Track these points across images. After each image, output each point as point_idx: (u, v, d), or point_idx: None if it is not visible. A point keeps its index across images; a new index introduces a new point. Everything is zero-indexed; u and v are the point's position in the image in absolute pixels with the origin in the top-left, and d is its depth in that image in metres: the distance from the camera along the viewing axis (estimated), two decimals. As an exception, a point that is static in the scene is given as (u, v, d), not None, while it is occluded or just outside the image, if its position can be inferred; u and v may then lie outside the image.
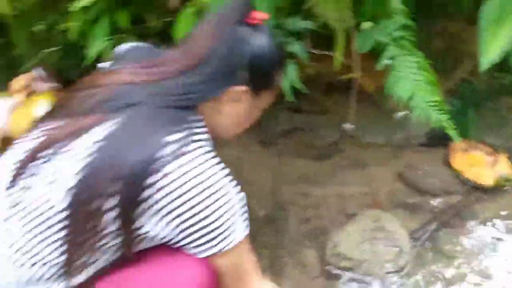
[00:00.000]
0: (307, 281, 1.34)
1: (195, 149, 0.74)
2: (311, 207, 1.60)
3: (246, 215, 0.79)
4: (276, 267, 1.37)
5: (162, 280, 0.83)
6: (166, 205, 0.72)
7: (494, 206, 1.59)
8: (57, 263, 0.79)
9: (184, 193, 0.71)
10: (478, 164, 1.68)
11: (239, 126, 0.96)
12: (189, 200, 0.72)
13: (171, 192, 0.71)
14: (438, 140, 1.88)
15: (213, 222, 0.73)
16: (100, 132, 0.78)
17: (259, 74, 0.87)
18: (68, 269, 0.79)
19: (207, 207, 0.72)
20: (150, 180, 0.71)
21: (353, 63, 1.62)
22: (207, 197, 0.72)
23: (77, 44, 1.61)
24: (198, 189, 0.72)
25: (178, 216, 0.72)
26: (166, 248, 0.80)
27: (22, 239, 0.78)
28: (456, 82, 1.94)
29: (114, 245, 0.78)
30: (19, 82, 1.70)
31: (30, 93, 1.66)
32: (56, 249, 0.78)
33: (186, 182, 0.71)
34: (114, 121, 0.78)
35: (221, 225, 0.74)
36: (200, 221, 0.73)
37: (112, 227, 0.75)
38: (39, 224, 0.77)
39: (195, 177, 0.72)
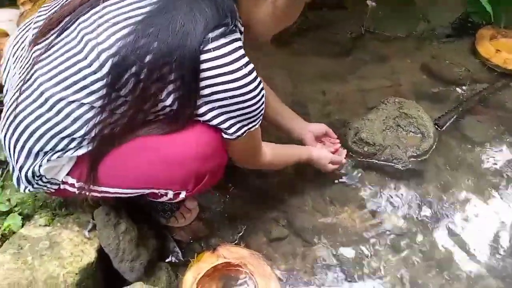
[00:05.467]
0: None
1: (232, 42, 0.77)
2: (332, 103, 1.57)
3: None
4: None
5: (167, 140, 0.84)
6: (211, 87, 0.77)
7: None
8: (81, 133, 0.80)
9: (226, 81, 0.77)
10: (506, 49, 1.60)
11: (278, 23, 0.92)
12: (230, 85, 0.77)
13: (214, 76, 0.76)
14: (464, 30, 1.79)
15: (249, 106, 0.81)
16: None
17: None
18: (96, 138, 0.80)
19: (245, 93, 0.79)
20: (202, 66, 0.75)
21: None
22: (245, 85, 0.78)
23: None
24: (237, 77, 0.77)
25: (222, 98, 0.78)
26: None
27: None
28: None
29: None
30: (25, -9, 1.65)
31: (36, 1, 1.61)
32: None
33: (227, 72, 0.76)
34: None
35: (254, 110, 0.82)
36: (239, 103, 0.80)
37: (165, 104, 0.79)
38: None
39: (235, 68, 0.77)
